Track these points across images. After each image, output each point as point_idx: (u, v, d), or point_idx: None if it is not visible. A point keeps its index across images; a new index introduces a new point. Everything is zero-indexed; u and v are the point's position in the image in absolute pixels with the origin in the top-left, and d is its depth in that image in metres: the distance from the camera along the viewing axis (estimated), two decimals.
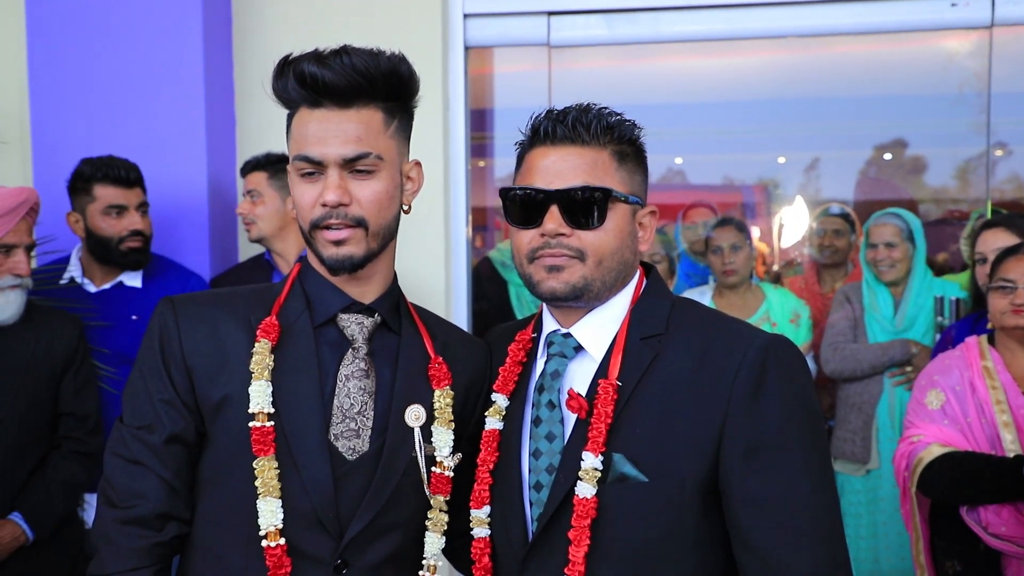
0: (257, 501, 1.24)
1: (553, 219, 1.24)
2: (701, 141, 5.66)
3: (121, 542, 1.25)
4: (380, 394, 1.31)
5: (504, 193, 1.29)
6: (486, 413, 1.36)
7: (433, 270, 2.91)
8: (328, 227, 1.26)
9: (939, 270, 4.24)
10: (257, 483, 1.24)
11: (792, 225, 5.18)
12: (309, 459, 1.25)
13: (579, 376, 1.29)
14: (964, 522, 2.12)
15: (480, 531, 1.34)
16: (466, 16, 3.00)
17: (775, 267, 5.14)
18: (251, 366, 1.26)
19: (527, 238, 1.27)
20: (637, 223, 1.31)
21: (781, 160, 5.73)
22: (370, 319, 1.33)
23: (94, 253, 2.47)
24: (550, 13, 3.02)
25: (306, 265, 1.36)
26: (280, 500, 1.25)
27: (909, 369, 3.06)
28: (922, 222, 3.29)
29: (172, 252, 2.72)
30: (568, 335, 1.31)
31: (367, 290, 1.34)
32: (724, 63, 4.63)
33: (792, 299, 3.43)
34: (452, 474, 1.34)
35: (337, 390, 1.29)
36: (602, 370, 1.26)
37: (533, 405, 1.31)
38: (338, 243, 1.26)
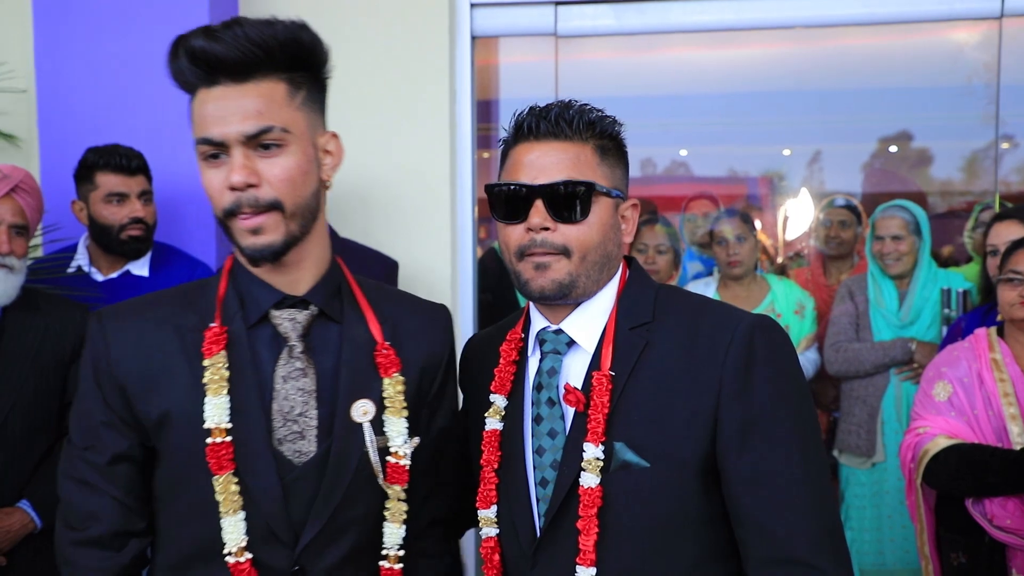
0: (221, 520, 1.19)
1: (538, 213, 1.24)
2: (706, 133, 5.64)
3: (81, 563, 1.24)
4: (323, 391, 1.24)
5: (489, 189, 1.30)
6: (486, 414, 1.36)
7: (439, 261, 2.91)
8: (241, 214, 1.17)
9: (943, 262, 4.22)
10: (219, 498, 1.19)
11: (797, 217, 5.17)
12: (255, 469, 1.20)
13: (574, 370, 1.31)
14: (969, 514, 2.12)
15: (488, 531, 1.35)
16: (473, 6, 2.99)
17: (779, 259, 5.12)
18: (205, 379, 1.20)
19: (515, 235, 1.27)
20: (620, 216, 1.32)
21: (786, 152, 5.71)
22: (304, 312, 1.25)
23: (97, 241, 2.48)
24: (557, 3, 3.01)
25: (237, 260, 1.27)
26: (245, 515, 1.20)
27: (916, 365, 3.04)
28: (928, 214, 3.28)
29: (178, 242, 2.72)
30: (559, 331, 1.32)
31: (298, 279, 1.25)
32: (730, 55, 4.61)
33: (797, 290, 3.42)
34: (409, 462, 1.28)
35: (275, 393, 1.22)
36: (595, 362, 1.28)
37: (533, 404, 1.32)
38: (255, 231, 1.17)
